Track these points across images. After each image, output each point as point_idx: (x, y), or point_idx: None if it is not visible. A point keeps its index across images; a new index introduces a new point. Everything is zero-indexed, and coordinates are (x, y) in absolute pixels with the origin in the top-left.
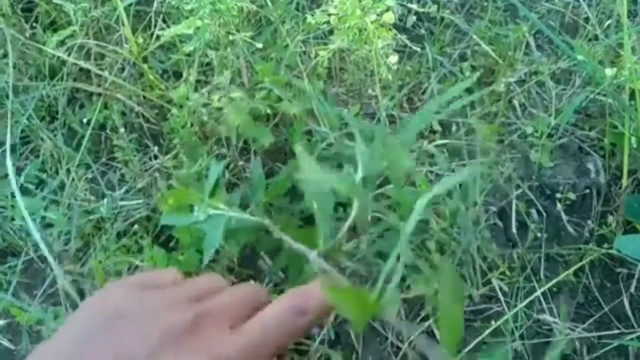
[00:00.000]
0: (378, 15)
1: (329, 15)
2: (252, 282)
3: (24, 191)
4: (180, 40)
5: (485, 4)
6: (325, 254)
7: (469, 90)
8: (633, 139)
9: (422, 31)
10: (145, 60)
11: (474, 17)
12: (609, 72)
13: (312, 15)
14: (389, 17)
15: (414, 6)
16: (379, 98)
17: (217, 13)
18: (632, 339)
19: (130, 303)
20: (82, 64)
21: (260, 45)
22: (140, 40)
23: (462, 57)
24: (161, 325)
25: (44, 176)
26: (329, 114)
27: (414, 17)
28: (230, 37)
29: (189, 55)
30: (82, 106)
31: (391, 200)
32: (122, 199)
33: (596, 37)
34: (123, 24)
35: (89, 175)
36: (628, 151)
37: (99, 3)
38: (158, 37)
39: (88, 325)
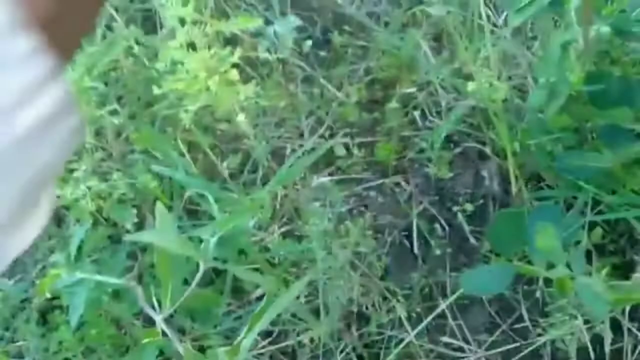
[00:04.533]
0: (222, 74)
1: (178, 81)
2: None
3: None
4: None
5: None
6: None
7: (369, 110)
8: (517, 144)
9: (324, 53)
10: None
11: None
12: (471, 86)
13: (160, 86)
14: (234, 75)
15: (308, 43)
16: (253, 147)
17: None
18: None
19: None
20: None
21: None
22: None
23: (368, 72)
24: None
25: None
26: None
27: (310, 42)
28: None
29: None
30: None
31: None
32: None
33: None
34: None
35: None
36: (514, 156)
37: None
38: None
39: None
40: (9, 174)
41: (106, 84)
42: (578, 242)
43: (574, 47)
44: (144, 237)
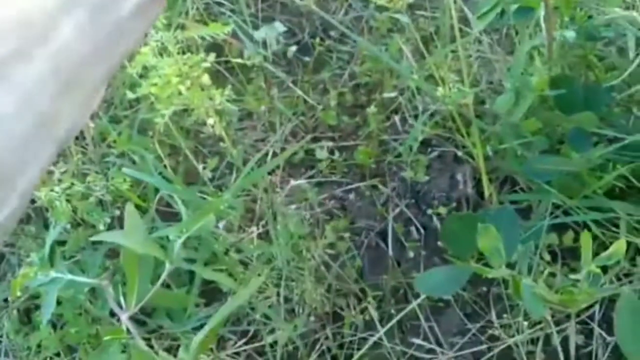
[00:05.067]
0: (194, 79)
1: (152, 85)
2: None
3: None
4: None
5: (372, 22)
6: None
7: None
8: (489, 148)
9: (308, 59)
10: None
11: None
12: (440, 91)
13: (134, 91)
14: (206, 79)
15: (293, 48)
16: (230, 150)
17: None
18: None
19: None
20: None
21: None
22: None
23: (352, 77)
24: None
25: None
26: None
27: (294, 48)
28: None
29: None
30: None
31: None
32: None
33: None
34: None
35: None
36: (485, 160)
37: None
38: None
39: None
40: (112, 50)
41: None
42: (534, 244)
43: (542, 53)
44: (111, 237)
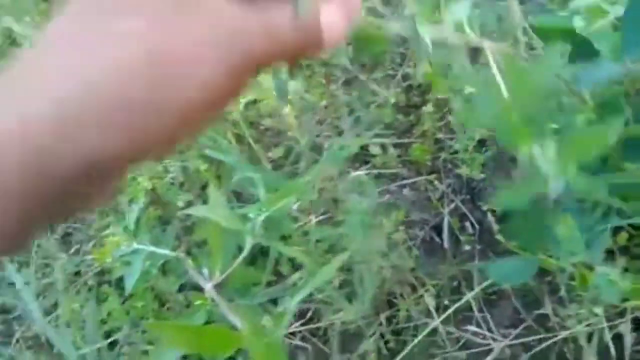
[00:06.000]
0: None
1: None
2: None
3: None
4: None
5: None
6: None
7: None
8: None
9: (365, 59)
10: None
11: None
12: None
13: None
14: None
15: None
16: (298, 139)
17: None
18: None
19: None
20: None
21: None
22: None
23: (405, 78)
24: None
25: None
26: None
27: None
28: None
29: None
30: None
31: None
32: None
33: None
34: None
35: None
36: None
37: None
38: None
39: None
40: None
41: None
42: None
43: None
44: (199, 211)
